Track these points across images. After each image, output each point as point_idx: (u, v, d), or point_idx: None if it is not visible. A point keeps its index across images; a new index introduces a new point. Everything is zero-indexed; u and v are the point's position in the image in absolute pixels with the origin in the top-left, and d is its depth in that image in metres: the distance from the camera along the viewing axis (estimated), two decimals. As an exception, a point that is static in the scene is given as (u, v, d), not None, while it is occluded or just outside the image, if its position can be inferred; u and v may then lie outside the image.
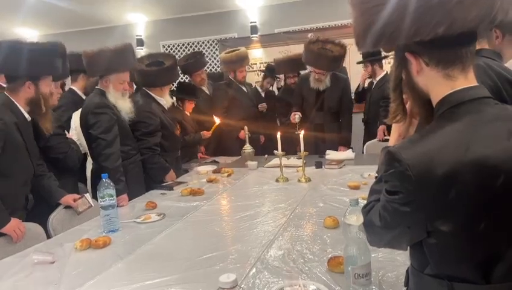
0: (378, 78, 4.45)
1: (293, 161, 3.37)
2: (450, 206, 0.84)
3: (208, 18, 6.43)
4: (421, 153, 0.86)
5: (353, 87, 4.86)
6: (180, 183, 2.98)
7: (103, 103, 2.67)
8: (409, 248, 0.99)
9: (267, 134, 4.53)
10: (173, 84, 4.18)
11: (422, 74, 0.95)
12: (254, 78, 6.16)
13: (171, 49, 6.80)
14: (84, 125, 2.71)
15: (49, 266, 1.68)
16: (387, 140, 4.06)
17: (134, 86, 3.69)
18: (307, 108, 4.01)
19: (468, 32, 0.89)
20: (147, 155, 2.97)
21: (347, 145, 4.09)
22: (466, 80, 0.93)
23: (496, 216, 0.85)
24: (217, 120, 3.91)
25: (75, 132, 3.18)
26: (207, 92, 4.54)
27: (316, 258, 1.56)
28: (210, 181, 2.98)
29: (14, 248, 1.96)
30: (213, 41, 6.60)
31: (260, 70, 6.28)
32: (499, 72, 1.39)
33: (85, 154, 3.06)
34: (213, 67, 6.66)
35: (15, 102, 2.20)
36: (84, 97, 3.38)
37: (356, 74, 4.91)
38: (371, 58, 4.35)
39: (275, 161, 3.34)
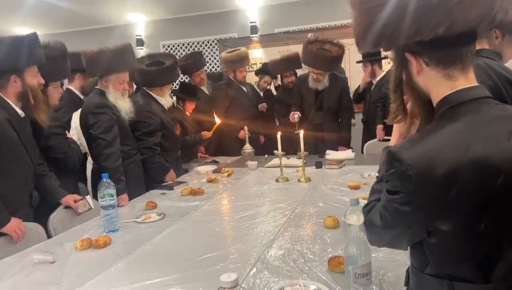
0: (377, 79, 4.45)
1: (293, 160, 3.37)
2: (450, 206, 0.85)
3: (208, 18, 6.43)
4: (421, 153, 0.86)
5: (352, 87, 4.87)
6: (180, 183, 2.99)
7: (103, 103, 2.67)
8: (409, 247, 0.99)
9: (266, 134, 4.53)
10: (173, 84, 4.19)
11: (422, 74, 0.95)
12: (254, 78, 6.15)
13: (171, 49, 6.80)
14: (84, 125, 2.71)
15: (50, 265, 1.68)
16: (386, 140, 4.08)
17: (135, 86, 3.70)
18: (305, 108, 4.01)
19: (468, 32, 0.89)
20: (147, 155, 2.97)
21: (347, 144, 4.09)
22: (466, 80, 0.93)
23: (496, 216, 0.85)
24: (218, 120, 3.91)
25: (75, 132, 3.18)
26: (206, 92, 4.54)
27: (316, 258, 1.56)
28: (210, 181, 2.98)
29: (15, 248, 1.96)
30: (213, 41, 6.60)
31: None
32: (498, 72, 1.39)
33: (85, 154, 3.06)
34: (213, 67, 6.66)
35: (6, 99, 2.18)
36: (81, 96, 3.38)
37: (355, 73, 4.91)
38: (371, 58, 4.35)
39: (275, 161, 3.34)
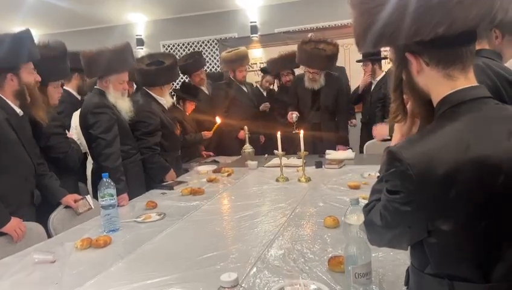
0: (377, 79, 4.46)
1: (293, 160, 3.37)
2: (451, 205, 0.85)
3: (208, 18, 6.43)
4: (421, 153, 0.87)
5: (353, 87, 4.87)
6: (180, 182, 2.99)
7: (102, 103, 2.67)
8: (409, 247, 1.00)
9: (266, 134, 4.53)
10: (174, 84, 4.19)
11: (422, 74, 0.95)
12: (254, 78, 6.16)
13: (171, 49, 6.80)
14: (84, 125, 2.71)
15: (50, 265, 1.69)
16: (386, 140, 4.08)
17: (135, 86, 3.69)
18: (303, 108, 4.00)
19: (468, 31, 0.89)
20: (146, 155, 2.97)
21: (345, 143, 4.09)
22: (466, 80, 0.93)
23: (497, 215, 0.85)
24: (218, 120, 3.91)
25: (75, 131, 3.18)
26: (206, 92, 4.53)
27: (316, 258, 1.57)
28: (210, 181, 2.98)
29: (15, 248, 1.96)
30: (213, 41, 6.60)
31: (259, 70, 6.30)
32: (497, 72, 1.39)
33: (85, 153, 3.06)
34: (213, 67, 6.66)
35: (3, 97, 2.17)
36: (79, 97, 3.37)
37: (355, 73, 4.91)
38: (372, 58, 4.35)
39: (275, 161, 3.34)
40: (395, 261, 1.47)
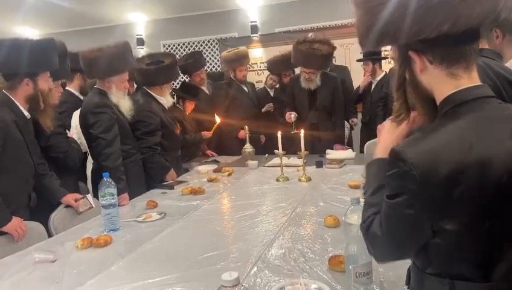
0: (377, 79, 4.46)
1: (294, 160, 3.37)
2: (454, 206, 0.84)
3: (208, 17, 6.43)
4: (424, 152, 0.86)
5: (354, 86, 4.87)
6: (180, 182, 2.99)
7: (103, 103, 2.67)
8: None
9: (267, 133, 4.53)
10: (174, 84, 4.19)
11: (426, 73, 0.95)
12: (254, 77, 6.16)
13: (172, 48, 6.80)
14: (84, 124, 2.71)
15: (51, 264, 1.69)
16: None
17: (135, 85, 3.70)
18: (300, 108, 3.99)
19: (472, 30, 0.89)
20: (147, 154, 2.96)
21: (342, 142, 4.09)
22: (470, 79, 0.93)
23: (500, 216, 0.85)
24: (218, 120, 3.91)
25: (75, 131, 3.18)
26: (206, 91, 4.53)
27: (316, 257, 1.57)
28: (210, 180, 2.98)
29: (16, 247, 1.96)
30: (213, 41, 6.60)
31: (260, 70, 6.30)
32: (498, 72, 1.39)
33: (85, 153, 3.06)
34: (213, 66, 6.66)
35: (14, 100, 2.20)
36: (81, 97, 3.38)
37: (356, 72, 4.91)
38: (372, 57, 4.35)
39: (275, 160, 3.34)
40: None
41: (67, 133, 2.79)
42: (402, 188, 0.88)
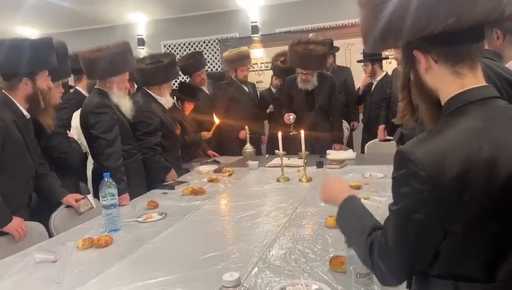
0: (378, 79, 4.47)
1: (294, 160, 3.37)
2: (463, 206, 0.83)
3: (209, 18, 6.43)
4: (432, 152, 0.85)
5: (356, 86, 4.87)
6: (181, 182, 2.99)
7: (103, 103, 2.67)
8: None
9: (269, 134, 4.53)
10: (174, 84, 4.18)
11: (430, 72, 0.95)
12: (255, 77, 6.17)
13: (172, 48, 6.80)
14: (85, 125, 2.71)
15: (51, 264, 1.69)
16: (387, 140, 4.06)
17: (135, 85, 3.70)
18: (298, 109, 3.99)
19: (477, 28, 0.89)
20: (147, 155, 2.97)
21: (341, 142, 4.09)
22: (475, 78, 0.93)
23: (508, 216, 0.84)
24: (217, 120, 3.91)
25: (75, 132, 3.19)
26: (207, 92, 4.54)
27: (317, 258, 1.57)
28: (211, 181, 2.99)
29: (16, 247, 1.96)
30: (214, 41, 6.60)
31: (261, 70, 6.30)
32: (498, 72, 1.39)
33: (85, 153, 3.06)
34: (214, 67, 6.66)
35: (13, 100, 2.20)
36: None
37: (356, 72, 4.91)
38: (372, 58, 4.36)
39: (276, 161, 3.34)
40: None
41: (67, 134, 2.79)
42: (409, 189, 0.86)
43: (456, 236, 0.86)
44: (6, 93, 2.20)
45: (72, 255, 1.78)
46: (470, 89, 0.91)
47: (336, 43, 4.90)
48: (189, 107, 4.03)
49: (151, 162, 2.98)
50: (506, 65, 1.54)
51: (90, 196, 2.46)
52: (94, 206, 2.41)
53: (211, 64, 6.64)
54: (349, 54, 5.66)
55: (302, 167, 2.87)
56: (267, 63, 6.15)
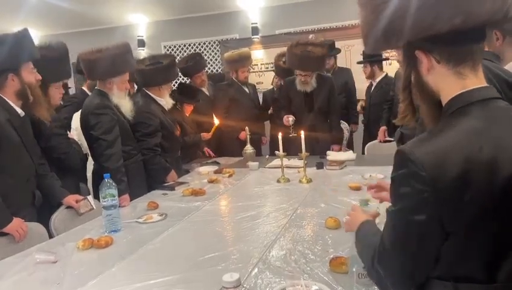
0: (377, 80, 4.47)
1: (294, 161, 3.37)
2: (464, 207, 0.83)
3: (209, 19, 6.44)
4: (433, 152, 0.85)
5: (357, 87, 4.88)
6: (181, 183, 2.99)
7: (103, 104, 2.67)
8: None
9: (270, 135, 4.52)
10: (174, 85, 4.18)
11: (433, 72, 0.95)
12: (255, 79, 6.17)
13: (173, 50, 6.81)
14: (85, 126, 2.71)
15: (51, 265, 1.69)
16: (387, 141, 4.05)
17: (135, 86, 3.70)
18: (296, 111, 3.99)
19: (479, 28, 0.90)
20: (147, 156, 2.97)
21: (340, 143, 4.09)
22: (476, 79, 0.93)
23: (507, 216, 0.84)
24: (216, 121, 3.91)
25: (75, 133, 3.19)
26: (207, 93, 4.54)
27: (317, 259, 1.57)
28: (211, 182, 2.99)
29: (17, 247, 1.96)
30: (214, 42, 6.61)
31: (261, 71, 6.31)
32: (497, 74, 1.40)
33: (86, 154, 3.06)
34: (214, 68, 6.67)
35: (5, 98, 2.17)
36: None
37: (356, 74, 4.91)
38: (371, 59, 4.36)
39: (276, 162, 3.35)
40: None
41: (67, 134, 2.79)
42: (410, 190, 0.86)
43: (457, 237, 0.85)
44: None
45: (72, 256, 1.78)
46: (471, 89, 0.92)
47: (336, 44, 4.90)
48: (188, 108, 4.04)
49: (151, 163, 2.98)
50: (506, 67, 1.54)
51: (90, 197, 2.47)
52: (94, 207, 2.41)
53: (211, 65, 6.65)
54: (350, 55, 5.66)
55: (302, 168, 2.87)
56: (267, 64, 6.17)
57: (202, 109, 4.20)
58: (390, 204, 0.96)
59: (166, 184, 2.97)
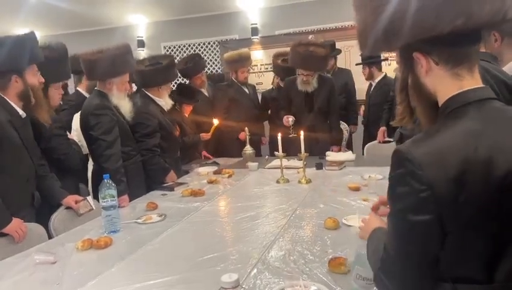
0: (376, 81, 4.47)
1: (294, 162, 3.37)
2: (461, 207, 0.83)
3: (208, 19, 6.44)
4: (429, 152, 0.85)
5: (356, 88, 4.88)
6: (180, 184, 2.99)
7: (103, 104, 2.67)
8: None
9: (270, 135, 4.52)
10: (173, 85, 4.17)
11: (431, 74, 0.95)
12: (255, 79, 6.18)
13: (172, 50, 6.81)
14: (85, 126, 2.72)
15: (51, 266, 1.69)
16: (387, 142, 4.05)
17: (134, 87, 3.70)
18: (297, 111, 3.99)
19: (476, 30, 0.90)
20: (146, 156, 2.97)
21: (339, 144, 4.10)
22: (473, 80, 0.93)
23: (507, 216, 0.84)
24: (216, 122, 3.91)
25: (75, 133, 3.19)
26: (206, 94, 4.54)
27: (316, 259, 1.57)
28: (211, 182, 2.99)
29: (16, 248, 1.96)
30: (214, 43, 6.61)
31: (260, 72, 6.31)
32: (495, 75, 1.40)
33: (86, 155, 3.07)
34: (214, 68, 6.67)
35: (7, 99, 2.18)
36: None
37: (356, 75, 4.91)
38: (371, 60, 4.36)
39: (276, 162, 3.35)
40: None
41: (67, 135, 2.79)
42: (408, 189, 0.86)
43: (455, 237, 0.86)
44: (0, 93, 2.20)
45: (71, 257, 1.78)
46: (468, 90, 0.92)
47: (335, 45, 4.90)
48: (188, 108, 4.04)
49: (150, 164, 2.99)
50: (504, 68, 1.55)
51: (89, 198, 2.47)
52: (94, 208, 2.41)
53: (211, 66, 6.65)
54: (349, 56, 5.66)
55: (302, 169, 2.88)
56: (267, 64, 6.17)
57: (201, 109, 4.20)
58: None
59: (165, 185, 2.97)
